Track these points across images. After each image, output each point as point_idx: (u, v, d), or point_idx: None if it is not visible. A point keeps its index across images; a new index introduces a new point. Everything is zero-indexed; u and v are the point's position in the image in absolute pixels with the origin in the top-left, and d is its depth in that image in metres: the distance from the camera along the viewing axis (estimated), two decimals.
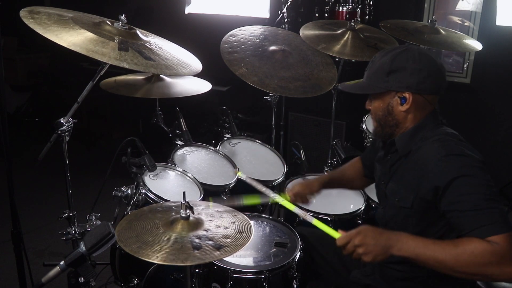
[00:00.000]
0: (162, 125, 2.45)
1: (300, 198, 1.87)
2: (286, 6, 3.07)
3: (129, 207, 1.96)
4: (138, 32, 1.77)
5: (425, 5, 3.75)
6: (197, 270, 1.65)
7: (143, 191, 1.94)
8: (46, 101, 5.38)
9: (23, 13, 1.55)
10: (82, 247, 1.27)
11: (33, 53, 5.48)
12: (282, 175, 2.39)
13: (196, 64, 1.85)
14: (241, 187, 2.24)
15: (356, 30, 2.47)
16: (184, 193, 1.40)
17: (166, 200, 1.90)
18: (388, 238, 1.38)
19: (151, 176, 2.07)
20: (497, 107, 3.66)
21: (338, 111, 3.00)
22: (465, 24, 3.62)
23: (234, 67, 2.24)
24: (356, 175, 1.95)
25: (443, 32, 2.62)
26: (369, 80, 1.55)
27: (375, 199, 2.02)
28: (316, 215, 2.06)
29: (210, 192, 2.08)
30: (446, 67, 3.69)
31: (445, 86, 1.53)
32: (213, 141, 2.49)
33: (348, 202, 2.22)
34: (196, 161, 2.33)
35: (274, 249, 1.77)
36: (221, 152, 2.41)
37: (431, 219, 1.47)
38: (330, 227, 2.01)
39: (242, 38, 2.40)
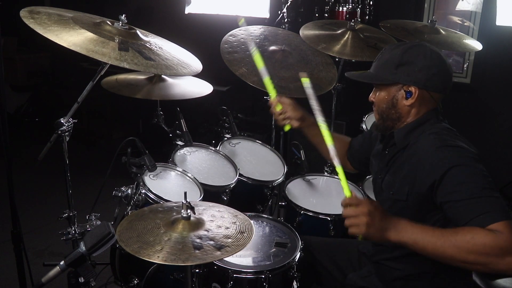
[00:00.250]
0: (163, 125, 2.45)
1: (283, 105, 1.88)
2: (286, 6, 3.08)
3: (129, 207, 1.96)
4: (138, 32, 1.77)
5: (425, 5, 3.75)
6: (197, 270, 1.65)
7: (143, 191, 1.94)
8: (46, 101, 5.38)
9: (23, 13, 1.55)
10: (82, 247, 1.27)
11: (33, 53, 5.48)
12: (282, 175, 2.39)
13: (196, 64, 1.85)
14: (242, 187, 2.24)
15: (356, 30, 2.47)
16: (185, 193, 1.40)
17: (166, 200, 1.90)
18: (389, 221, 1.35)
19: (151, 176, 2.07)
20: (497, 107, 3.66)
21: (338, 111, 3.00)
22: (465, 24, 3.62)
23: (234, 67, 2.24)
24: (340, 148, 1.93)
25: (443, 32, 2.62)
26: (377, 70, 1.55)
27: (375, 199, 2.01)
28: (316, 215, 2.06)
29: (210, 193, 2.08)
30: None
31: (451, 87, 1.54)
32: (213, 141, 2.49)
33: None
34: (196, 161, 2.33)
35: (274, 249, 1.77)
36: (221, 152, 2.40)
37: (427, 211, 1.47)
38: (331, 228, 2.03)
39: (242, 38, 2.40)
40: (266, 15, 4.35)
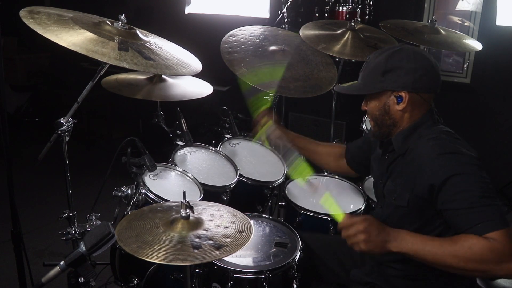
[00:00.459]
0: (163, 125, 2.45)
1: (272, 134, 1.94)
2: (286, 6, 3.08)
3: (129, 207, 1.96)
4: (138, 32, 1.77)
5: (425, 5, 3.75)
6: (197, 270, 1.65)
7: (143, 191, 1.94)
8: (46, 101, 5.39)
9: (23, 13, 1.55)
10: (82, 247, 1.27)
11: (33, 53, 5.48)
12: (282, 175, 2.39)
13: (196, 64, 1.85)
14: (242, 188, 2.24)
15: (356, 30, 2.47)
16: (184, 193, 1.40)
17: (166, 200, 1.90)
18: (388, 233, 1.39)
19: (151, 176, 2.07)
20: (497, 107, 3.66)
21: (338, 111, 3.00)
22: (465, 24, 3.62)
23: (234, 67, 2.24)
24: (331, 151, 2.01)
25: (443, 32, 2.62)
26: (364, 80, 1.55)
27: (375, 199, 2.02)
28: (316, 215, 2.06)
29: (210, 193, 2.08)
30: (446, 67, 3.70)
31: (440, 84, 1.54)
32: (214, 142, 2.49)
33: (348, 202, 2.22)
34: (196, 161, 2.33)
35: (274, 249, 1.77)
36: (221, 153, 2.40)
37: (427, 217, 1.47)
38: (331, 227, 2.04)
39: (242, 38, 2.40)
40: (266, 15, 4.35)
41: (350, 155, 1.98)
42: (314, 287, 1.92)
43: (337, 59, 2.57)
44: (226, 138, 2.56)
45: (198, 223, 1.40)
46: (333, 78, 2.43)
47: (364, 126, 2.61)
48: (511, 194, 3.55)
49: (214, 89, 2.38)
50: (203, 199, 2.00)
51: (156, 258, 1.25)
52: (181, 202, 1.39)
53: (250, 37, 2.44)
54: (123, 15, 1.73)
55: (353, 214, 2.11)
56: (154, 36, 1.91)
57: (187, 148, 2.38)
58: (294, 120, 3.87)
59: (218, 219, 1.45)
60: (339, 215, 1.47)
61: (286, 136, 2.04)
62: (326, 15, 3.72)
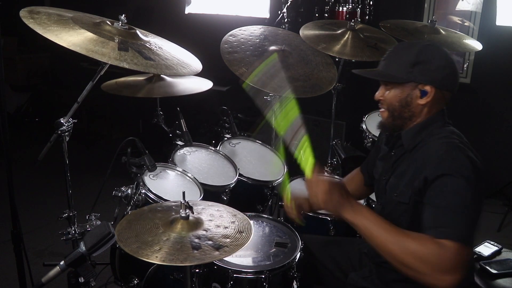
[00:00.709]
0: (163, 125, 2.45)
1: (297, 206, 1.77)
2: (286, 6, 3.08)
3: (129, 207, 1.96)
4: (138, 32, 1.76)
5: (425, 5, 3.76)
6: (197, 270, 1.65)
7: (143, 191, 1.94)
8: (46, 101, 5.38)
9: (23, 13, 1.55)
10: (82, 247, 1.27)
11: (33, 53, 5.48)
12: (282, 175, 2.39)
13: (196, 64, 1.85)
14: (242, 187, 2.24)
15: (356, 30, 2.47)
16: (183, 193, 1.40)
17: (166, 200, 1.90)
18: (349, 201, 1.43)
19: (151, 176, 2.07)
20: (497, 107, 3.66)
21: (338, 111, 3.00)
22: (465, 24, 3.62)
23: (234, 67, 2.24)
24: (357, 187, 1.93)
25: (443, 32, 2.62)
26: (389, 69, 1.52)
27: (375, 198, 2.01)
28: (316, 214, 2.06)
29: (210, 193, 2.08)
30: None
31: (458, 86, 1.54)
32: (213, 141, 2.49)
33: None
34: (196, 161, 2.33)
35: (274, 249, 1.76)
36: (221, 153, 2.41)
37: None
38: (331, 228, 2.03)
39: (242, 38, 2.40)
40: (266, 15, 4.35)
41: (367, 177, 1.91)
42: None
43: (337, 59, 2.58)
44: (226, 138, 2.56)
45: (197, 223, 1.39)
46: (333, 78, 2.43)
47: (364, 126, 2.61)
48: (511, 194, 3.55)
49: (214, 89, 2.38)
50: (203, 199, 2.00)
51: (156, 258, 1.24)
52: (181, 202, 1.39)
53: (250, 37, 2.44)
54: (123, 15, 1.73)
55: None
56: (154, 36, 1.91)
57: (187, 148, 2.38)
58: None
59: (217, 219, 1.45)
60: (309, 171, 1.51)
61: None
62: (326, 15, 3.72)
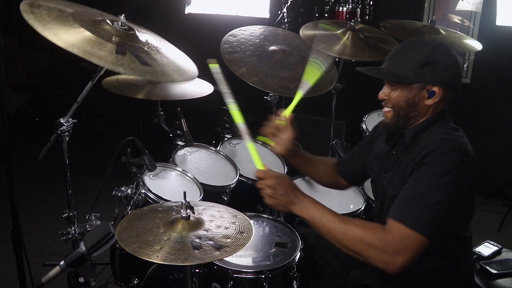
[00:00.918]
0: (163, 125, 2.45)
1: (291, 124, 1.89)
2: (286, 6, 3.08)
3: (129, 207, 1.96)
4: (137, 33, 1.73)
5: (425, 5, 3.76)
6: (197, 270, 1.65)
7: (143, 191, 1.94)
8: (46, 101, 5.39)
9: (23, 6, 1.49)
10: (82, 247, 1.27)
11: (33, 53, 5.48)
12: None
13: (192, 70, 1.81)
14: (242, 188, 2.24)
15: (356, 30, 2.47)
16: (184, 193, 1.40)
17: (166, 200, 1.90)
18: (295, 196, 1.46)
19: (151, 176, 2.07)
20: (497, 107, 3.66)
21: (338, 111, 3.00)
22: (465, 24, 3.62)
23: (234, 67, 2.24)
24: (329, 169, 1.95)
25: (443, 32, 2.62)
26: (396, 68, 1.51)
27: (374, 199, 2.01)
28: None
29: (210, 193, 2.08)
30: None
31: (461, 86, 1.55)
32: (214, 142, 2.49)
33: (348, 202, 2.22)
34: (196, 161, 2.33)
35: (274, 249, 1.76)
36: (221, 153, 2.40)
37: None
38: None
39: (242, 38, 2.40)
40: (266, 15, 4.35)
41: (343, 165, 1.93)
42: (314, 287, 1.92)
43: (337, 59, 2.57)
44: (226, 138, 2.56)
45: (198, 224, 1.40)
46: (333, 78, 2.42)
47: (364, 126, 2.61)
48: (511, 194, 3.55)
49: (214, 89, 2.37)
50: (203, 199, 2.00)
51: (157, 258, 1.25)
52: (182, 202, 1.39)
53: (250, 37, 2.44)
54: (123, 15, 1.72)
55: (353, 214, 2.11)
56: (153, 34, 1.89)
57: (187, 148, 2.38)
58: (294, 120, 3.86)
59: (218, 219, 1.45)
60: (259, 163, 1.51)
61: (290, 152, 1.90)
62: (326, 15, 3.72)
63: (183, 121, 2.35)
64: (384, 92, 1.56)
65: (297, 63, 2.39)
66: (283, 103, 3.14)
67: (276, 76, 2.27)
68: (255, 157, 1.52)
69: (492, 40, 3.32)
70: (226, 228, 1.41)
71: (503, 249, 2.03)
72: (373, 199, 2.17)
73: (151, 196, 1.92)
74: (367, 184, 2.34)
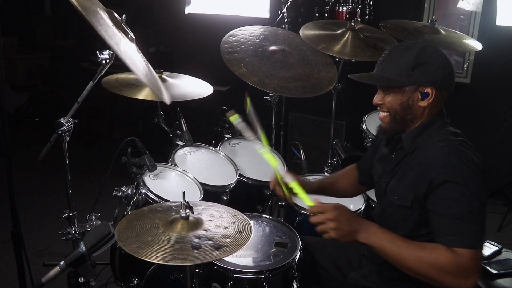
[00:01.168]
0: (163, 125, 2.45)
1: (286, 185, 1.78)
2: (286, 6, 3.07)
3: (129, 207, 1.96)
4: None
5: (425, 5, 3.75)
6: (197, 270, 1.65)
7: (143, 191, 1.94)
8: (46, 101, 5.39)
9: None
10: (82, 247, 1.27)
11: (33, 53, 5.48)
12: None
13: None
14: (242, 187, 2.24)
15: (356, 30, 2.47)
16: (183, 193, 1.40)
17: (166, 200, 1.90)
18: (358, 223, 1.42)
19: (151, 176, 2.07)
20: (497, 107, 3.66)
21: (338, 111, 3.00)
22: (465, 24, 3.62)
23: (234, 67, 2.24)
24: (350, 183, 1.93)
25: (443, 32, 2.62)
26: (387, 73, 1.50)
27: (375, 198, 2.01)
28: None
29: (210, 193, 2.08)
30: None
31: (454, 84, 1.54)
32: (213, 141, 2.49)
33: (348, 202, 2.21)
34: (196, 161, 2.33)
35: (274, 249, 1.76)
36: (221, 153, 2.41)
37: (426, 219, 1.47)
38: None
39: (242, 38, 2.40)
40: (266, 15, 4.35)
41: (364, 174, 1.89)
42: None
43: (337, 59, 2.57)
44: (226, 138, 2.56)
45: (197, 224, 1.40)
46: (333, 78, 2.43)
47: (364, 126, 2.61)
48: (511, 194, 3.55)
49: (214, 89, 2.38)
50: (203, 199, 2.00)
51: (156, 258, 1.25)
52: (181, 202, 1.39)
53: (250, 37, 2.44)
54: (123, 15, 1.72)
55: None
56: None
57: (187, 148, 2.38)
58: (294, 120, 3.86)
59: (217, 219, 1.45)
60: (308, 200, 1.47)
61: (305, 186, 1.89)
62: (326, 15, 3.72)
63: (183, 121, 2.35)
64: (378, 97, 1.56)
65: (297, 63, 2.40)
66: (282, 103, 3.15)
67: (276, 76, 2.28)
68: (302, 196, 1.48)
69: (492, 40, 3.32)
70: (226, 228, 1.41)
71: (503, 249, 2.03)
72: (373, 199, 2.18)
73: (152, 196, 1.92)
74: None
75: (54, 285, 1.46)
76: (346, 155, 2.81)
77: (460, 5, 3.65)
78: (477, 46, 2.64)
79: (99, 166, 3.62)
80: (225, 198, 2.15)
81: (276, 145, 2.87)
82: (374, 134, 2.51)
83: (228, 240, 1.34)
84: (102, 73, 1.74)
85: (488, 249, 2.02)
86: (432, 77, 1.47)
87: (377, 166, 1.73)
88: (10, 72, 5.23)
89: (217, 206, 1.57)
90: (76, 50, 5.18)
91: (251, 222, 1.47)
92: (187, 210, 1.39)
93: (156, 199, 1.91)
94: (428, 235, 1.46)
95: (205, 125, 4.23)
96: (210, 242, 1.32)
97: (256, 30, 2.51)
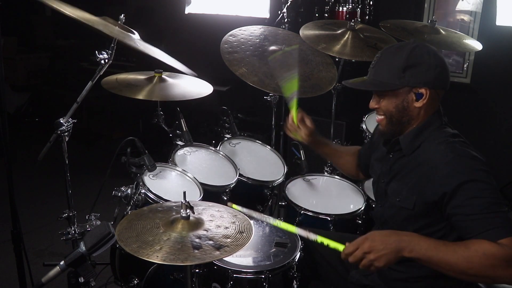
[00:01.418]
0: (163, 125, 2.44)
1: (301, 119, 1.96)
2: (286, 6, 3.07)
3: (129, 207, 1.96)
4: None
5: (425, 5, 3.75)
6: (197, 270, 1.65)
7: (143, 191, 1.94)
8: (46, 101, 5.39)
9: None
10: (82, 247, 1.27)
11: (33, 53, 5.48)
12: (282, 175, 2.39)
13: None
14: (242, 187, 2.24)
15: (356, 30, 2.47)
16: (184, 193, 1.40)
17: (165, 200, 1.90)
18: (399, 240, 1.35)
19: (150, 176, 2.07)
20: (497, 107, 3.66)
21: (338, 111, 3.00)
22: (465, 24, 3.62)
23: (234, 67, 2.24)
24: (352, 161, 2.00)
25: (443, 32, 2.62)
26: (380, 76, 1.51)
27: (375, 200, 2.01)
28: (316, 215, 2.06)
29: (210, 193, 2.08)
30: None
31: (449, 82, 1.54)
32: (213, 141, 2.49)
33: (348, 202, 2.22)
34: (196, 161, 2.33)
35: (274, 249, 1.77)
36: (221, 153, 2.40)
37: (433, 219, 1.47)
38: (331, 227, 2.04)
39: (242, 38, 2.40)
40: (266, 15, 4.35)
41: (361, 160, 1.95)
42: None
43: (337, 59, 2.57)
44: (226, 138, 2.56)
45: (198, 224, 1.40)
46: (333, 78, 2.42)
47: (364, 126, 2.61)
48: (511, 194, 3.55)
49: (214, 89, 2.37)
50: (203, 199, 2.00)
51: (156, 258, 1.25)
52: (182, 202, 1.39)
53: (250, 37, 2.44)
54: (123, 15, 1.72)
55: (353, 214, 2.11)
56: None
57: (187, 148, 2.38)
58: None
59: (218, 219, 1.45)
60: (339, 245, 1.42)
61: (315, 137, 1.99)
62: (326, 15, 3.71)
63: (182, 121, 2.35)
64: (374, 102, 1.57)
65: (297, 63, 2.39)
66: (282, 103, 3.15)
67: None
68: (332, 244, 1.42)
69: (492, 40, 3.32)
70: (226, 228, 1.41)
71: None
72: (373, 199, 2.17)
73: (151, 196, 1.92)
74: (367, 184, 2.35)
75: (54, 285, 1.46)
76: None
77: (460, 5, 3.64)
78: (477, 46, 2.64)
79: (99, 166, 3.62)
80: (225, 198, 2.14)
81: (276, 145, 2.87)
82: None
83: (228, 240, 1.34)
84: (101, 73, 1.74)
85: None
86: (425, 77, 1.46)
87: (375, 166, 1.73)
88: (10, 72, 5.23)
89: (218, 206, 1.56)
90: (76, 50, 5.19)
91: (251, 222, 1.47)
92: (188, 210, 1.38)
93: (156, 199, 1.91)
94: (437, 234, 1.46)
95: (205, 125, 4.23)
96: (211, 242, 1.32)
97: (256, 30, 2.51)
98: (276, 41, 2.47)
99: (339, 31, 2.47)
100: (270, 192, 2.35)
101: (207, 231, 1.37)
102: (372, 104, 1.57)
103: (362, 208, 2.15)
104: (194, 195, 2.03)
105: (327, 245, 1.42)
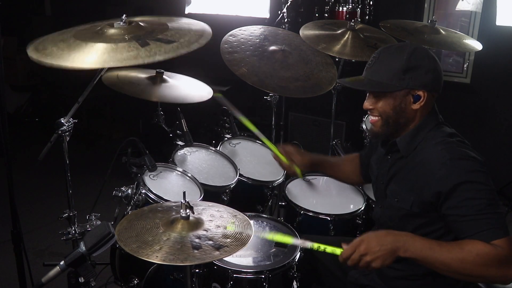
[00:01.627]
0: (163, 125, 2.45)
1: (287, 154, 1.95)
2: (286, 6, 3.08)
3: (129, 207, 1.96)
4: (139, 23, 1.66)
5: (425, 5, 3.75)
6: (197, 270, 1.65)
7: (143, 191, 1.94)
8: (46, 101, 5.39)
9: (31, 53, 1.48)
10: (82, 247, 1.27)
11: None
12: (282, 175, 2.39)
13: (203, 28, 1.70)
14: (242, 188, 2.24)
15: (356, 30, 2.47)
16: (184, 193, 1.40)
17: (166, 200, 1.90)
18: (394, 240, 1.37)
19: (151, 176, 2.07)
20: (497, 107, 3.66)
21: (338, 111, 3.00)
22: (465, 24, 3.63)
23: (234, 67, 2.24)
24: (353, 171, 1.97)
25: (443, 32, 2.62)
26: (378, 77, 1.50)
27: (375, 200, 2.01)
28: (316, 215, 2.06)
29: (210, 193, 2.08)
30: (446, 67, 3.70)
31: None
32: (214, 141, 2.49)
33: (348, 202, 2.22)
34: (196, 161, 2.33)
35: (274, 249, 1.77)
36: (221, 153, 2.40)
37: (430, 220, 1.48)
38: (331, 227, 2.04)
39: (242, 38, 2.40)
40: (266, 15, 4.35)
41: (363, 169, 1.93)
42: None
43: (337, 59, 2.57)
44: (226, 138, 2.56)
45: (198, 224, 1.40)
46: (333, 78, 2.42)
47: (364, 126, 2.60)
48: (511, 194, 3.55)
49: (214, 89, 2.37)
50: (203, 199, 2.00)
51: (156, 258, 1.25)
52: (181, 202, 1.39)
53: (250, 37, 2.44)
54: (124, 15, 1.71)
55: (353, 214, 2.11)
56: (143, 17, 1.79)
57: (187, 148, 2.38)
58: (294, 120, 3.86)
59: (218, 219, 1.45)
60: (337, 250, 1.43)
61: (313, 163, 1.99)
62: (326, 15, 3.72)
63: (183, 121, 2.35)
64: (369, 102, 1.55)
65: (297, 63, 2.40)
66: (282, 103, 3.15)
67: (276, 76, 2.27)
68: (329, 249, 1.43)
69: (492, 40, 3.32)
70: (226, 228, 1.41)
71: None
72: (373, 199, 2.18)
73: (152, 196, 1.92)
74: (367, 184, 2.35)
75: (54, 285, 1.46)
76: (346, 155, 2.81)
77: (460, 5, 3.65)
78: (477, 46, 2.64)
79: (99, 166, 3.61)
80: (225, 198, 2.15)
81: (276, 145, 2.87)
82: None
83: (228, 240, 1.34)
84: (103, 73, 1.74)
85: None
86: (424, 80, 1.47)
87: (373, 166, 1.73)
88: (10, 72, 5.23)
89: (217, 206, 1.56)
90: None
91: (251, 222, 1.47)
92: (188, 210, 1.39)
93: (156, 199, 1.91)
94: (434, 234, 1.46)
95: (205, 125, 4.23)
96: (211, 242, 1.32)
97: (256, 30, 2.50)
98: (276, 41, 2.47)
99: (339, 31, 2.47)
100: (270, 192, 2.35)
101: (207, 231, 1.37)
102: (367, 104, 1.55)
103: (362, 208, 2.15)
104: (194, 195, 2.03)
105: (324, 250, 1.44)
